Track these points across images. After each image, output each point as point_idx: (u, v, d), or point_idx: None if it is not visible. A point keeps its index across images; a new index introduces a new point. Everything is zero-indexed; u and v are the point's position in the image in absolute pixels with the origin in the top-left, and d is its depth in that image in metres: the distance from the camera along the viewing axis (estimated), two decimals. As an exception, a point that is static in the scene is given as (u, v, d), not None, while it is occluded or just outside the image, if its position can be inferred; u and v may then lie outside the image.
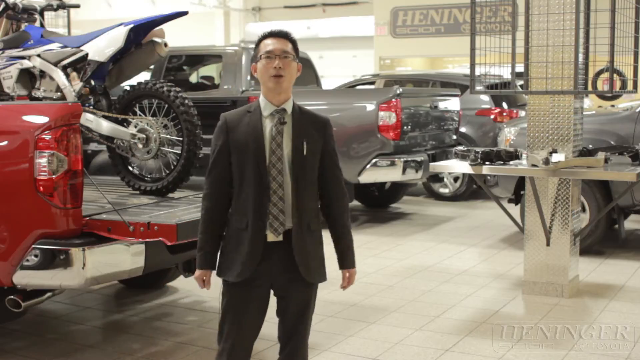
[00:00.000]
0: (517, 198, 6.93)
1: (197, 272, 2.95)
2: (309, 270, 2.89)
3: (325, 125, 2.95)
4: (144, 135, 4.55)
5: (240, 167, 2.88)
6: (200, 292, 5.22)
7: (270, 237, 2.85)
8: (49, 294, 3.83)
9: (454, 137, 8.99)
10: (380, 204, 9.57)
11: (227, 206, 2.93)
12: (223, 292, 2.94)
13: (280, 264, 2.88)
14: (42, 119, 3.62)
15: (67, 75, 4.61)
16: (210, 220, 2.93)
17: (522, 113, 9.48)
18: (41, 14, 5.07)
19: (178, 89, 4.61)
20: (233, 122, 2.90)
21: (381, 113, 7.62)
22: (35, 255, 3.59)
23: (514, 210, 6.56)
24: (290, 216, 2.85)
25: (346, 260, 3.01)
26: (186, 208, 4.19)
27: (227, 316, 2.92)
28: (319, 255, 2.97)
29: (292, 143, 2.86)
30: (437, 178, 9.65)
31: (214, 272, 2.95)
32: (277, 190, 2.84)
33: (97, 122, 4.55)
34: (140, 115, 4.65)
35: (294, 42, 2.93)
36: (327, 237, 2.97)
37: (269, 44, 2.87)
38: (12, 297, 3.69)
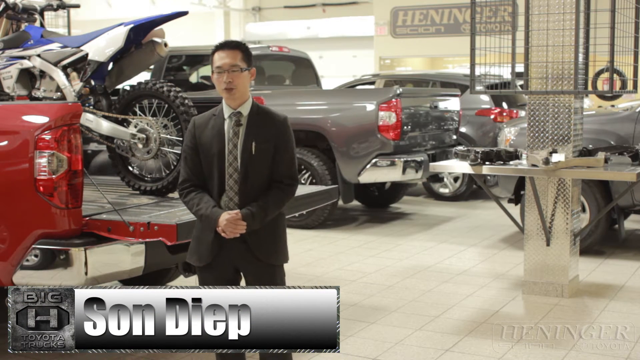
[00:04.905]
0: (517, 198, 6.93)
1: (222, 219, 2.99)
2: (261, 250, 3.08)
3: (277, 123, 3.12)
4: (144, 135, 4.55)
5: (207, 166, 3.12)
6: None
7: None
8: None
9: (454, 137, 8.98)
10: (380, 204, 9.56)
11: (205, 185, 3.13)
12: (197, 276, 3.20)
13: (239, 248, 3.08)
14: (42, 119, 3.62)
15: (67, 75, 4.61)
16: (195, 193, 3.13)
17: (522, 113, 9.48)
18: (41, 14, 5.07)
19: (178, 89, 4.60)
20: (201, 126, 3.14)
21: (381, 113, 7.62)
22: (36, 255, 3.59)
23: (514, 210, 6.56)
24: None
25: (251, 206, 3.05)
26: (186, 208, 4.17)
27: None
28: (275, 238, 3.15)
29: (242, 143, 3.07)
30: (437, 178, 9.64)
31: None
32: (233, 187, 3.08)
33: (97, 122, 4.55)
34: (140, 115, 4.65)
35: (245, 51, 3.10)
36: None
37: (219, 59, 3.07)
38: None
